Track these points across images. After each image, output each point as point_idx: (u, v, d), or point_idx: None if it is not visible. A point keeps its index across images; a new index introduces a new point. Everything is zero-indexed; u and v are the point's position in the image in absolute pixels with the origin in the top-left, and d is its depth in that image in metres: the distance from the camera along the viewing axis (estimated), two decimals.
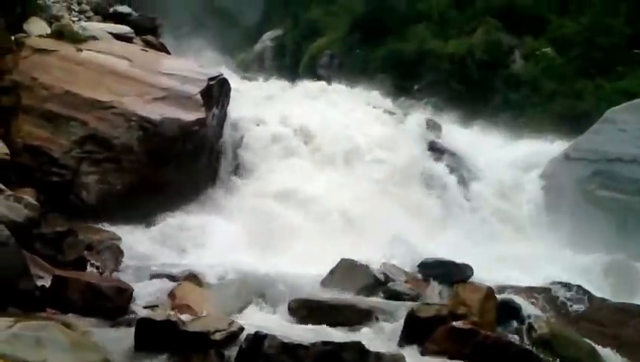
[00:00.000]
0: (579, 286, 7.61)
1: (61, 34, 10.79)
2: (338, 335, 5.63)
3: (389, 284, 7.23)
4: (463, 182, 11.86)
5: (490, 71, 21.98)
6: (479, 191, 11.92)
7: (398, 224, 9.53)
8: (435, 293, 7.24)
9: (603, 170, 11.71)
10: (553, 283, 7.64)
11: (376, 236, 9.02)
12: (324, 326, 5.92)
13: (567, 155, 12.54)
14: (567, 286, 7.59)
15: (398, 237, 8.91)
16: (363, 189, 10.52)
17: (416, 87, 19.74)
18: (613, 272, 9.05)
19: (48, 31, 11.09)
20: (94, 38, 11.20)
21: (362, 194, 10.36)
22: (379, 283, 7.31)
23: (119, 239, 7.75)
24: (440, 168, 11.82)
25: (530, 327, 6.29)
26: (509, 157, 13.26)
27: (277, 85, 15.28)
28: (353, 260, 7.44)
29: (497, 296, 6.47)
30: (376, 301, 6.82)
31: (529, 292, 7.33)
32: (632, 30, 20.69)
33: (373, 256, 7.90)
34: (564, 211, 11.55)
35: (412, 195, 10.97)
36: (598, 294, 7.67)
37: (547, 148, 13.70)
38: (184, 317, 5.26)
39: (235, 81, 12.29)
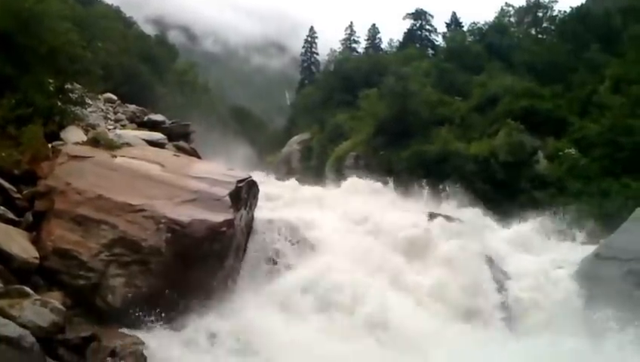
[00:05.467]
0: None
1: (97, 141, 11.23)
2: None
3: None
4: (496, 281, 11.60)
5: (515, 171, 22.23)
6: (513, 291, 11.62)
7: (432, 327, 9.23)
8: None
9: (636, 269, 11.35)
10: None
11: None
12: None
13: (598, 255, 12.24)
14: None
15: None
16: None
17: (441, 186, 19.84)
18: None
19: (84, 138, 11.57)
20: (128, 144, 11.63)
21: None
22: None
23: (143, 344, 7.58)
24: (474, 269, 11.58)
25: None
26: (539, 257, 13.00)
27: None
28: None
29: None
30: None
31: None
32: None
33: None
34: (601, 312, 11.08)
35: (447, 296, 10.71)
36: None
37: (577, 247, 13.47)
38: None
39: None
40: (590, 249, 12.75)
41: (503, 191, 21.21)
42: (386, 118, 27.96)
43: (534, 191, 21.30)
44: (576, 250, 13.34)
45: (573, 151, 22.88)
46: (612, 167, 20.99)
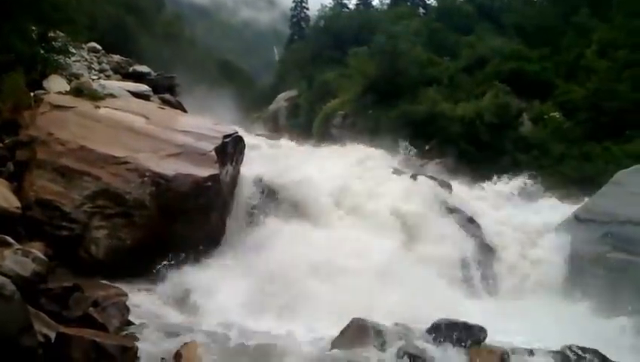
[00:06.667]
0: (594, 351, 7.36)
1: (80, 91, 11.06)
2: None
3: (402, 346, 7.02)
4: (475, 240, 11.78)
5: (500, 133, 22.34)
6: (491, 251, 11.82)
7: (411, 283, 9.36)
8: (448, 356, 7.00)
9: (614, 232, 11.60)
10: (568, 347, 7.39)
11: (390, 295, 8.85)
12: None
13: (577, 217, 12.47)
14: (582, 350, 7.34)
15: (412, 296, 8.72)
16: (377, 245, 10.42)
17: (427, 147, 19.92)
18: (629, 335, 8.80)
19: (67, 88, 11.39)
20: (112, 95, 11.47)
21: (376, 251, 10.24)
22: (391, 345, 7.09)
23: (126, 295, 7.64)
24: (453, 228, 11.73)
25: None
26: (520, 218, 13.20)
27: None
28: (365, 320, 7.23)
29: (512, 360, 6.28)
30: None
31: (544, 356, 7.10)
32: (638, 95, 21.04)
33: (386, 315, 7.68)
34: (576, 272, 11.39)
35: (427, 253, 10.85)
36: (613, 358, 7.40)
37: (557, 209, 13.68)
38: None
39: None
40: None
41: (487, 153, 21.32)
42: (374, 77, 27.73)
43: (517, 153, 21.47)
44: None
45: (557, 114, 23.00)
46: (595, 131, 21.15)
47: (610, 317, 9.49)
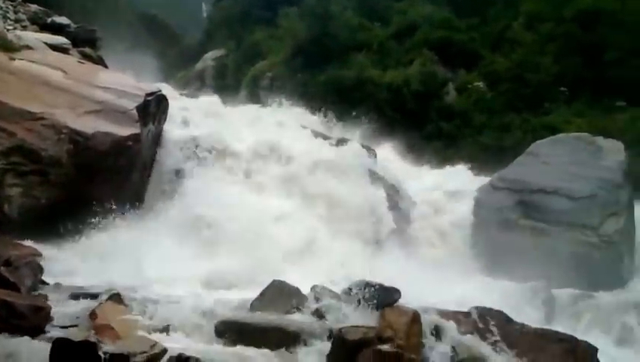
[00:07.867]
0: (500, 311, 7.84)
1: None
2: (264, 358, 5.62)
3: (319, 306, 7.25)
4: (395, 207, 12.13)
5: (425, 101, 22.77)
6: (410, 217, 12.24)
7: (330, 246, 9.62)
8: (363, 316, 7.28)
9: (526, 200, 12.29)
10: (476, 307, 7.84)
11: (310, 258, 9.06)
12: (251, 348, 5.86)
13: (492, 185, 13.08)
14: (489, 310, 7.80)
15: (329, 259, 8.98)
16: (298, 211, 10.59)
17: (353, 113, 20.04)
18: (532, 298, 9.42)
19: None
20: (29, 47, 10.95)
21: (298, 215, 10.41)
22: (309, 306, 7.30)
23: (40, 255, 7.45)
24: (374, 193, 12.04)
25: (454, 351, 6.50)
26: (438, 185, 13.69)
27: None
28: (284, 282, 7.40)
29: (423, 320, 6.62)
30: (305, 323, 6.80)
31: (453, 316, 7.48)
32: (558, 69, 21.95)
33: (305, 277, 7.87)
34: (489, 238, 12.00)
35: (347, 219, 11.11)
36: (518, 319, 7.91)
37: (475, 177, 14.27)
38: (105, 338, 5.10)
39: None
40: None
41: (412, 121, 21.76)
42: (305, 39, 27.46)
43: (441, 121, 22.01)
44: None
45: (481, 84, 23.60)
46: (515, 102, 21.91)
47: (519, 281, 10.12)
